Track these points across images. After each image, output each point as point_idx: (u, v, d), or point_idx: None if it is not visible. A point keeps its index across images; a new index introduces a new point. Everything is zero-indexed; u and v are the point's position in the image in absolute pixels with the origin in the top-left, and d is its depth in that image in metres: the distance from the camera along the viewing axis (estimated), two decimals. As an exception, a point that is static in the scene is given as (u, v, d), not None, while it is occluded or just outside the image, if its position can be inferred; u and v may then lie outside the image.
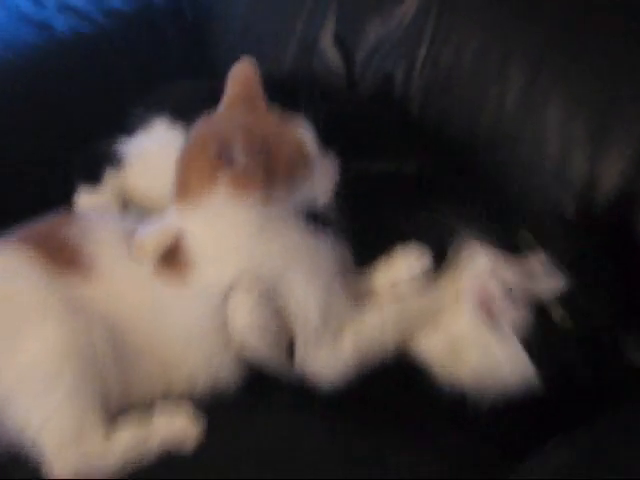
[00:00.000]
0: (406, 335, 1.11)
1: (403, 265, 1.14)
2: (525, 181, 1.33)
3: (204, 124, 1.09)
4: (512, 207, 1.20)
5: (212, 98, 1.13)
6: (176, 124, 1.29)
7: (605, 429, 0.95)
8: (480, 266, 1.06)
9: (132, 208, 1.31)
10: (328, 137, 1.08)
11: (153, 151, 1.33)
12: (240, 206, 1.03)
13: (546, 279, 1.01)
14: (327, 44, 1.59)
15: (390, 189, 1.24)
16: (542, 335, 1.01)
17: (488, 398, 1.07)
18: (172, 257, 1.07)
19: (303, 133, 1.07)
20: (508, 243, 1.07)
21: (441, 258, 1.14)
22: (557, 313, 1.01)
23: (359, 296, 1.13)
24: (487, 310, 1.03)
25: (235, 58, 1.13)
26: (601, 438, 0.93)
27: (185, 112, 1.25)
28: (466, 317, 1.09)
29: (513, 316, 1.01)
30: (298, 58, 1.61)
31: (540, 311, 1.01)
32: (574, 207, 1.15)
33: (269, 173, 1.03)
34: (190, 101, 1.32)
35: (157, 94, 1.44)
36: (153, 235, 1.08)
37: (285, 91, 1.23)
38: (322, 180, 1.08)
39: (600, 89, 1.25)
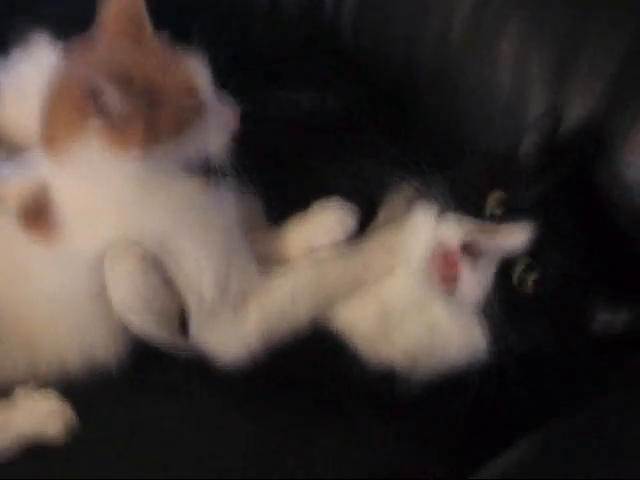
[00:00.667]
0: (325, 305, 0.99)
1: (323, 226, 1.00)
2: (474, 119, 1.18)
3: (72, 55, 0.92)
4: (459, 151, 1.06)
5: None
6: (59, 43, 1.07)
7: (562, 426, 0.84)
8: (427, 225, 0.94)
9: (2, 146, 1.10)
10: (234, 66, 0.91)
11: (29, 77, 1.09)
12: (116, 160, 0.87)
13: (506, 234, 0.90)
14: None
15: (311, 127, 1.09)
16: (504, 301, 0.89)
17: (426, 379, 0.97)
18: (39, 213, 0.92)
19: (196, 70, 0.91)
20: (459, 194, 0.94)
21: (370, 215, 1.02)
22: (520, 274, 0.90)
23: (269, 260, 1.00)
24: (444, 274, 0.90)
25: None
26: (559, 437, 0.82)
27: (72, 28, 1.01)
28: (403, 283, 0.98)
29: (475, 280, 0.89)
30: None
31: (501, 273, 0.89)
32: (531, 149, 0.98)
33: (151, 120, 0.87)
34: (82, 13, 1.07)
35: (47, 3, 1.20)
36: (14, 185, 0.93)
37: (180, 12, 1.00)
38: (218, 127, 0.92)
39: (564, 13, 1.09)
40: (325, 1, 1.35)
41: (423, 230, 0.94)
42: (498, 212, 0.91)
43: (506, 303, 0.89)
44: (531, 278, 0.89)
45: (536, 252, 0.89)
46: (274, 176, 1.01)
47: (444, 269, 0.90)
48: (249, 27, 1.19)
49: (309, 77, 1.16)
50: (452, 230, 0.90)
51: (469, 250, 0.88)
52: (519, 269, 0.89)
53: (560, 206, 0.94)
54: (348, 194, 1.01)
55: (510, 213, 0.90)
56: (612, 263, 0.94)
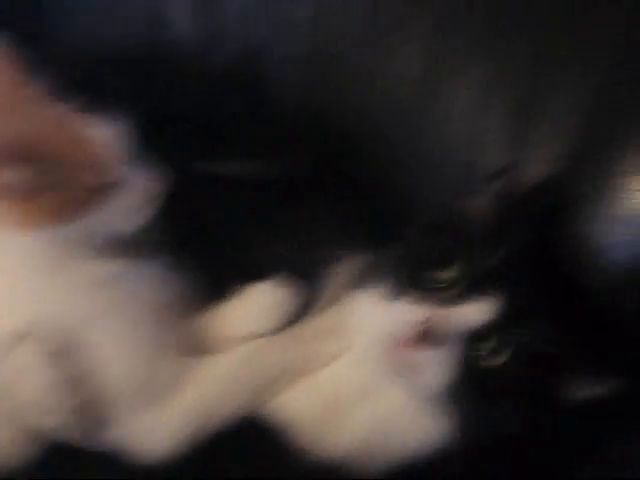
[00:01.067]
0: (262, 395, 0.90)
1: (260, 307, 0.93)
2: (427, 178, 1.09)
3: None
4: (408, 216, 0.98)
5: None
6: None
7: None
8: (376, 309, 0.86)
9: None
10: (159, 133, 0.87)
11: None
12: (9, 236, 0.78)
13: (466, 311, 0.83)
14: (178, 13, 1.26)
15: (245, 200, 1.03)
16: (470, 382, 0.83)
17: (382, 472, 0.88)
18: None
19: (109, 140, 0.82)
20: (408, 271, 0.86)
21: (312, 293, 0.94)
22: (487, 350, 0.83)
23: (200, 346, 0.92)
24: (400, 363, 0.83)
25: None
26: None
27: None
28: (351, 369, 0.90)
29: (435, 366, 0.82)
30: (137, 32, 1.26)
31: (466, 352, 0.83)
32: (487, 211, 0.90)
33: (56, 197, 0.78)
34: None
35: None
36: None
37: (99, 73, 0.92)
38: (137, 201, 0.84)
39: (528, 65, 1.01)
40: (262, 59, 1.24)
41: (372, 316, 0.87)
42: (455, 287, 0.84)
43: (473, 384, 0.83)
44: (499, 353, 0.83)
45: (503, 325, 0.82)
46: (206, 252, 0.94)
47: (399, 358, 0.83)
48: (182, 88, 1.09)
49: (249, 143, 1.11)
50: (405, 316, 0.83)
51: (427, 336, 0.81)
52: (485, 346, 0.83)
53: (524, 273, 0.87)
54: (288, 271, 0.94)
55: (469, 286, 0.83)
56: (583, 332, 0.87)
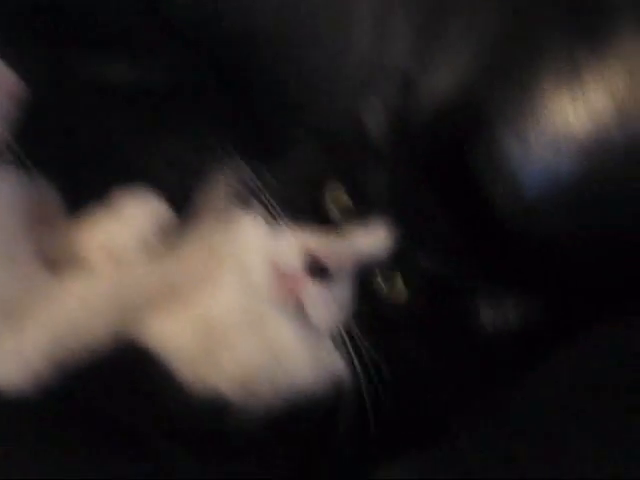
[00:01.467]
0: (130, 318, 0.82)
1: (129, 220, 0.85)
2: (319, 92, 1.02)
3: None
4: (301, 133, 0.90)
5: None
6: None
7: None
8: (257, 237, 0.80)
9: None
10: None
11: None
12: None
13: (357, 239, 0.77)
14: None
15: (121, 106, 0.94)
16: (368, 316, 0.77)
17: (269, 410, 0.80)
18: None
19: None
20: (293, 193, 0.81)
21: (187, 209, 0.86)
22: (384, 284, 0.77)
23: (62, 261, 0.84)
24: (287, 295, 0.77)
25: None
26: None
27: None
28: (232, 295, 0.83)
29: (325, 302, 0.76)
30: None
31: (363, 284, 0.76)
32: (381, 126, 0.83)
33: None
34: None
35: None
36: None
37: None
38: None
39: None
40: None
41: (254, 243, 0.81)
42: (344, 211, 0.78)
43: (372, 318, 0.77)
44: (399, 285, 0.77)
45: (402, 255, 0.76)
46: (72, 159, 0.86)
47: (286, 290, 0.77)
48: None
49: (134, 46, 1.01)
50: (288, 247, 0.77)
51: (314, 267, 0.75)
52: (382, 278, 0.77)
53: (425, 196, 0.81)
54: (161, 182, 0.86)
55: (363, 213, 0.78)
56: (492, 257, 0.81)
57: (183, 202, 0.85)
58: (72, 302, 0.80)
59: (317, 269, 0.74)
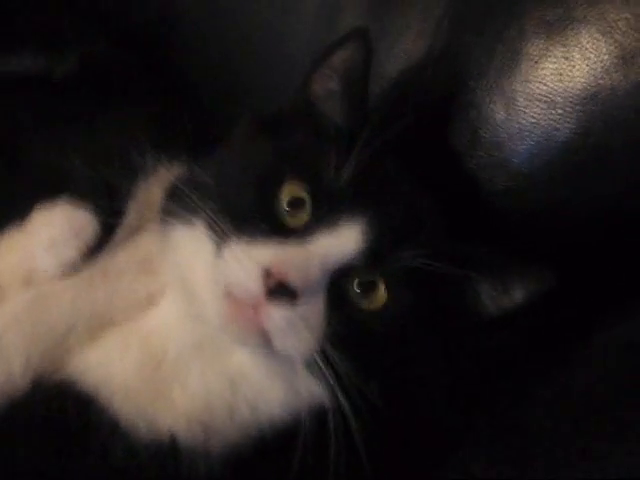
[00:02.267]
0: (55, 351, 0.70)
1: (48, 236, 0.71)
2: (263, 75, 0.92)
3: None
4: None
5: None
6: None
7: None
8: (204, 255, 0.68)
9: None
10: None
11: None
12: None
13: (320, 248, 0.65)
14: None
15: (31, 101, 0.81)
16: (343, 334, 0.65)
17: (231, 451, 0.70)
18: None
19: None
20: (237, 198, 0.69)
21: (116, 218, 0.73)
22: (361, 293, 0.66)
23: None
24: (243, 323, 0.64)
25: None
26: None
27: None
28: (177, 318, 0.72)
29: (291, 327, 0.63)
30: None
31: (334, 298, 0.65)
32: (344, 106, 0.73)
33: None
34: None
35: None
36: None
37: None
38: None
39: None
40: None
41: (198, 264, 0.68)
42: (303, 213, 0.67)
43: (349, 334, 0.65)
44: (381, 292, 0.66)
45: (379, 254, 0.66)
46: None
47: (243, 319, 0.64)
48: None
49: (43, 33, 0.90)
50: (241, 267, 0.64)
51: (274, 288, 0.63)
52: (359, 286, 0.66)
53: (399, 180, 0.71)
54: (83, 189, 0.73)
55: (322, 211, 0.66)
56: (483, 235, 0.72)
57: (109, 210, 0.72)
58: None
59: (278, 289, 0.62)
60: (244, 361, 0.69)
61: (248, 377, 0.70)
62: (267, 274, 0.62)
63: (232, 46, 0.95)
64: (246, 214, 0.66)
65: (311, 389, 0.68)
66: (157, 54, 0.98)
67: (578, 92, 0.71)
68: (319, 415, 0.68)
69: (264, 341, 0.64)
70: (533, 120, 0.73)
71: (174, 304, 0.72)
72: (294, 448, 0.66)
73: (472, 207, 0.76)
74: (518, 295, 0.69)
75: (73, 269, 0.71)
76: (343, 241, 0.65)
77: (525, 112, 0.73)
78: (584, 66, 0.71)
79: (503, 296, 0.70)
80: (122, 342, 0.72)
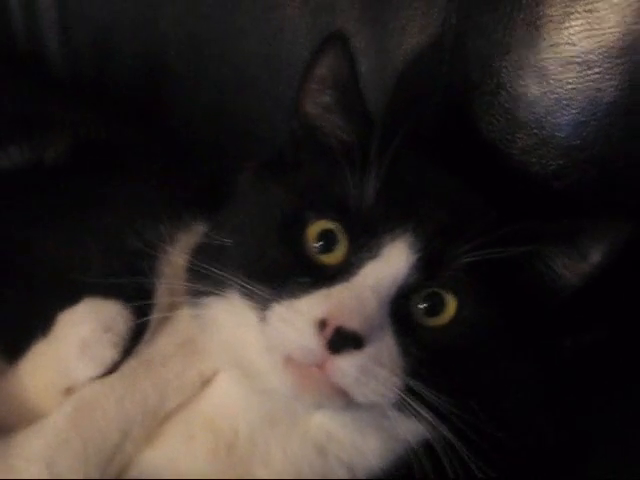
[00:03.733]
0: (115, 459, 0.64)
1: (75, 342, 0.64)
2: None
3: None
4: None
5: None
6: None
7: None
8: (246, 317, 0.61)
9: None
10: None
11: None
12: None
13: (373, 272, 0.58)
14: None
15: (28, 199, 0.75)
16: (422, 361, 0.59)
17: None
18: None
19: None
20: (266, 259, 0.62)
21: (146, 306, 0.66)
22: (428, 309, 0.60)
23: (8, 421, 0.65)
24: (313, 387, 0.58)
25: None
26: None
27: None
28: (242, 400, 0.65)
29: (361, 371, 0.57)
30: None
31: (402, 325, 0.58)
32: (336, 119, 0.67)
33: None
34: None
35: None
36: None
37: None
38: None
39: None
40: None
41: (247, 338, 0.62)
42: (338, 247, 0.61)
43: (429, 357, 0.59)
44: (443, 299, 0.60)
45: (428, 262, 0.59)
46: None
47: (313, 383, 0.58)
48: None
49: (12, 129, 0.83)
50: (292, 329, 0.58)
51: (335, 339, 0.56)
52: (420, 303, 0.60)
53: (429, 178, 0.66)
54: (104, 286, 0.66)
55: (358, 238, 0.60)
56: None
57: (138, 295, 0.65)
58: (35, 466, 0.62)
59: (339, 338, 0.56)
60: (326, 422, 0.63)
61: (335, 437, 0.64)
62: (322, 325, 0.56)
63: (226, 86, 0.91)
64: (278, 269, 0.60)
65: (407, 428, 0.62)
66: (148, 113, 0.94)
67: (612, 45, 0.65)
68: (426, 452, 0.62)
69: (342, 398, 0.57)
70: (570, 87, 0.67)
71: (231, 380, 0.66)
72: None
73: (525, 195, 0.70)
74: (595, 256, 0.64)
75: (113, 368, 0.65)
76: (391, 262, 0.58)
77: (559, 80, 0.67)
78: (612, 15, 0.64)
79: (580, 262, 0.64)
80: (185, 433, 0.66)
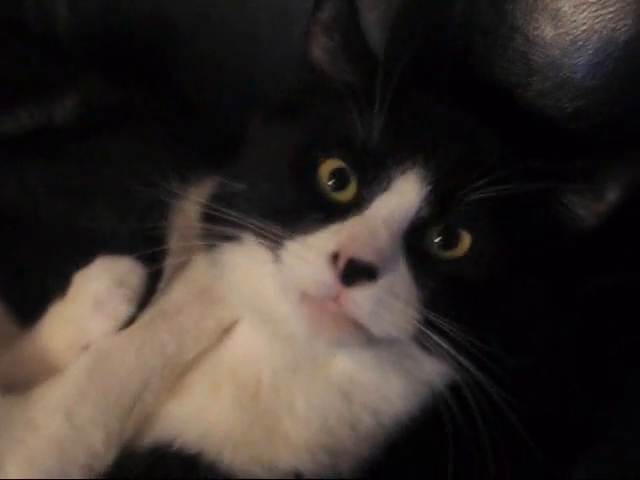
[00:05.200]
0: (137, 414, 0.64)
1: (92, 297, 0.65)
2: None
3: None
4: None
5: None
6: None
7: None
8: (258, 260, 0.62)
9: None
10: None
11: None
12: None
13: (385, 204, 0.58)
14: None
15: (39, 162, 0.74)
16: (438, 293, 0.58)
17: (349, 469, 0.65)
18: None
19: None
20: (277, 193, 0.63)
21: (159, 254, 0.66)
22: (443, 243, 0.59)
23: (30, 376, 0.65)
24: (330, 321, 0.58)
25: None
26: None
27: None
28: (264, 348, 0.65)
29: (377, 302, 0.56)
30: None
31: (416, 257, 0.58)
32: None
33: None
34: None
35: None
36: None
37: None
38: None
39: None
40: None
41: (261, 278, 0.62)
42: (349, 187, 0.61)
43: (445, 289, 0.59)
44: (457, 233, 0.60)
45: (441, 196, 0.59)
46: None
47: (330, 317, 0.58)
48: None
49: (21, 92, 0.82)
50: (305, 263, 0.58)
51: (349, 271, 0.56)
52: (434, 236, 0.60)
53: (441, 113, 0.65)
54: (118, 234, 0.67)
55: (365, 174, 0.60)
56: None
57: (150, 249, 0.65)
58: (55, 418, 0.62)
59: (353, 271, 0.56)
60: (348, 365, 0.63)
61: (358, 381, 0.64)
62: (334, 258, 0.56)
63: (235, 42, 0.90)
64: (292, 208, 0.60)
65: (432, 368, 0.62)
66: (156, 74, 0.93)
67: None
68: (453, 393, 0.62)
69: (360, 332, 0.57)
70: (585, 27, 0.65)
71: (251, 328, 0.65)
72: (435, 438, 0.61)
73: (541, 136, 0.69)
74: (612, 194, 0.63)
75: (129, 321, 0.65)
76: (402, 195, 0.58)
77: (574, 21, 0.66)
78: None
79: (597, 200, 0.63)
80: (210, 384, 0.65)
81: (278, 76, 0.83)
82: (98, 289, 0.64)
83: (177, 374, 0.65)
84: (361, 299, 0.56)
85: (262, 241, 0.60)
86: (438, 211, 0.58)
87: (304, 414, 0.64)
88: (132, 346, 0.64)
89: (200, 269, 0.67)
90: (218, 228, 0.62)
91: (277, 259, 0.59)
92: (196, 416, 0.65)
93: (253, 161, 0.66)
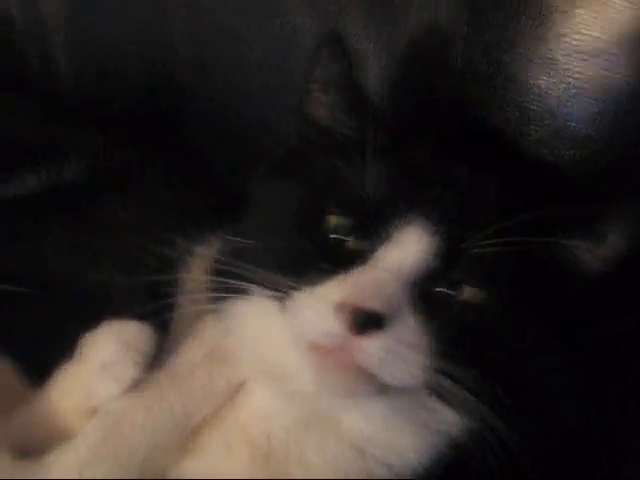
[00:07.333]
0: (154, 466, 0.64)
1: (100, 360, 0.65)
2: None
3: None
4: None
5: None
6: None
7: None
8: (268, 312, 0.62)
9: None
10: None
11: None
12: None
13: (392, 255, 0.59)
14: None
15: (45, 219, 0.75)
16: (452, 340, 0.59)
17: None
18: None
19: None
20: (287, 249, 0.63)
21: (167, 318, 0.67)
22: (451, 290, 0.60)
23: (39, 437, 0.65)
24: (340, 371, 0.58)
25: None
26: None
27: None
28: (272, 402, 0.66)
29: (388, 351, 0.57)
30: None
31: (426, 306, 0.59)
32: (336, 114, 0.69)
33: None
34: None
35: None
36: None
37: None
38: None
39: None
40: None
41: (269, 331, 0.64)
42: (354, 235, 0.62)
43: (458, 336, 0.59)
44: (468, 294, 0.60)
45: (448, 246, 0.60)
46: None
47: (339, 367, 0.58)
48: None
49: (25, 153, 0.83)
50: (314, 314, 0.58)
51: (358, 321, 0.56)
52: (443, 286, 0.60)
53: (442, 166, 0.66)
54: (123, 299, 0.68)
55: (370, 228, 0.61)
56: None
57: (159, 311, 0.66)
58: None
59: (362, 320, 0.56)
60: (358, 419, 0.63)
61: (370, 437, 0.64)
62: (342, 308, 0.56)
63: (235, 95, 0.92)
64: (298, 260, 0.61)
65: (448, 418, 0.62)
66: (157, 132, 0.94)
67: (619, 32, 0.65)
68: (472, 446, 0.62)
69: (370, 382, 0.57)
70: (579, 76, 0.66)
71: (262, 387, 0.66)
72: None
73: (538, 186, 0.68)
74: (615, 239, 0.64)
75: (137, 384, 0.65)
76: (408, 246, 0.59)
77: (568, 69, 0.67)
78: (618, 2, 0.64)
79: (599, 245, 0.64)
80: (222, 443, 0.65)
81: (281, 128, 0.85)
82: (106, 352, 0.64)
83: (188, 434, 0.65)
84: (370, 347, 0.56)
85: (270, 292, 0.60)
86: (444, 262, 0.58)
87: (316, 468, 0.64)
88: (140, 410, 0.64)
89: (209, 330, 0.68)
90: (226, 282, 0.62)
91: (285, 310, 0.59)
92: (210, 474, 0.65)
93: (258, 216, 0.67)
